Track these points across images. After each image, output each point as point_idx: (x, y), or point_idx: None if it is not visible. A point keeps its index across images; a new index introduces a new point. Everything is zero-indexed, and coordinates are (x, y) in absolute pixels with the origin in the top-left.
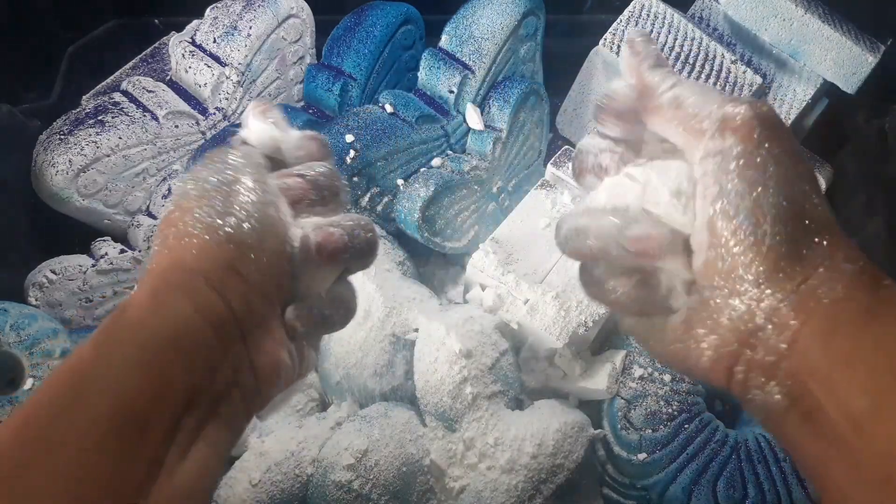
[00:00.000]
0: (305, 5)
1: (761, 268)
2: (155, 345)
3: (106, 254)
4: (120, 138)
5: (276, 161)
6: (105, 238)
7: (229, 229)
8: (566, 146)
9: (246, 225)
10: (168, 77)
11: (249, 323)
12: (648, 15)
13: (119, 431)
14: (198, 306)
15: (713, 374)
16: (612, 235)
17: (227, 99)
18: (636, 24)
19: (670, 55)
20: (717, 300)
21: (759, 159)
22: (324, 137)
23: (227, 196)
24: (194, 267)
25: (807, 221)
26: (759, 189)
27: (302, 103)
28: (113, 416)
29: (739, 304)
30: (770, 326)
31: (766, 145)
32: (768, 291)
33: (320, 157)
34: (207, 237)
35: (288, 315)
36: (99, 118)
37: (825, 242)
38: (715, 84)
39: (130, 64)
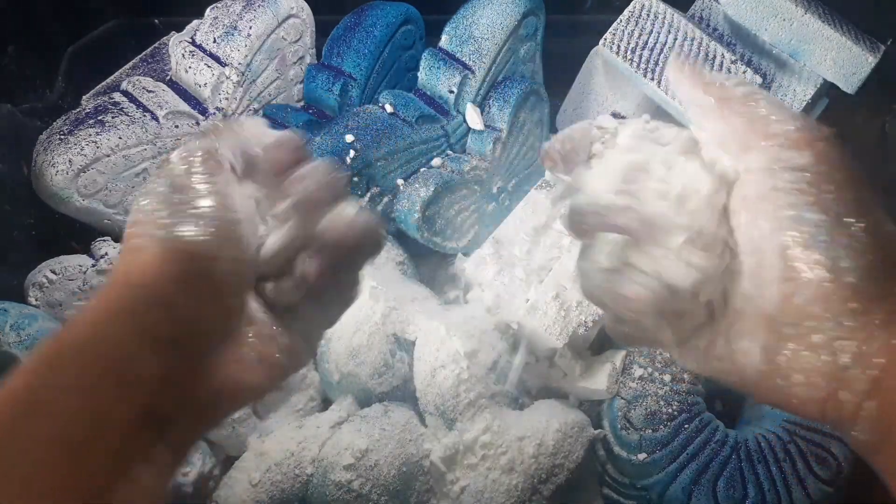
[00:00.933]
0: (305, 5)
1: (844, 305)
2: (94, 370)
3: (106, 254)
4: (120, 138)
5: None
6: (105, 238)
7: (177, 241)
8: None
9: (198, 235)
10: (168, 77)
11: (203, 338)
12: (648, 15)
13: (56, 462)
14: (141, 327)
15: (805, 410)
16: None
17: (227, 99)
18: (636, 24)
19: (670, 55)
20: (797, 336)
21: (836, 184)
22: (298, 140)
23: (178, 205)
24: (140, 284)
25: (888, 253)
26: (840, 218)
27: (302, 103)
28: (50, 445)
29: (822, 342)
30: (856, 366)
31: (843, 168)
32: (852, 329)
33: (297, 159)
34: (155, 251)
35: (267, 290)
36: (99, 118)
37: None
38: None
39: (130, 64)
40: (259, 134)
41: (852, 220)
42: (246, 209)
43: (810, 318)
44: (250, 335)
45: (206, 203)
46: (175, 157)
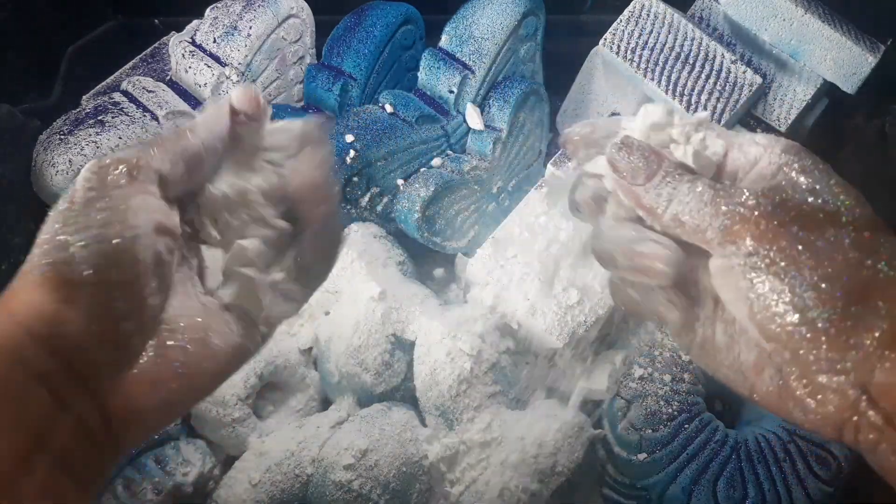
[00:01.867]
0: (305, 5)
1: (829, 353)
2: None
3: None
4: (120, 138)
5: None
6: None
7: (51, 269)
8: None
9: (77, 258)
10: (168, 77)
11: (92, 367)
12: (648, 15)
13: None
14: (22, 360)
15: (820, 433)
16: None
17: None
18: (636, 24)
19: (670, 55)
20: (800, 376)
21: (778, 250)
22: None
23: (63, 227)
24: (19, 315)
25: (859, 286)
26: (789, 277)
27: (302, 103)
28: None
29: (825, 382)
30: (866, 404)
31: (785, 230)
32: (845, 369)
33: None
34: (33, 280)
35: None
36: (99, 118)
37: (883, 302)
38: (715, 84)
39: (130, 64)
40: (219, 116)
41: (809, 272)
42: (147, 224)
43: (804, 365)
44: (171, 341)
45: (94, 225)
46: (82, 172)
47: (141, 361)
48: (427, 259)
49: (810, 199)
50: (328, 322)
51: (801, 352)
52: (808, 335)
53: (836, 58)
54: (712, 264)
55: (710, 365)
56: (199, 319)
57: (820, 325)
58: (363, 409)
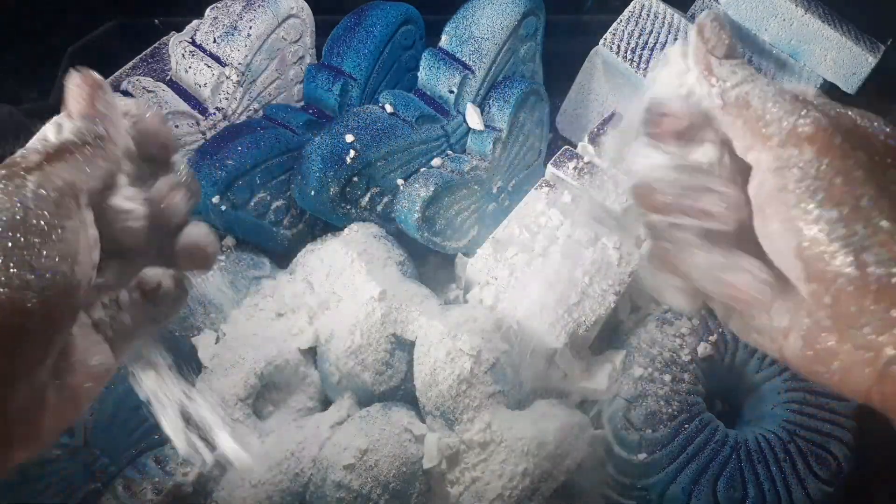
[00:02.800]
0: (305, 5)
1: (876, 300)
2: None
3: None
4: None
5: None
6: None
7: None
8: (566, 146)
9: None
10: (168, 77)
11: None
12: (648, 15)
13: None
14: None
15: (848, 396)
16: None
17: (227, 99)
18: (636, 24)
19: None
20: (835, 331)
21: (844, 175)
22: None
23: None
24: None
25: None
26: (857, 210)
27: (302, 103)
28: None
29: (860, 339)
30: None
31: (849, 156)
32: (887, 324)
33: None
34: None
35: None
36: None
37: None
38: None
39: (130, 64)
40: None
41: (872, 209)
42: (85, 247)
43: (843, 317)
44: (69, 371)
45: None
46: (32, 188)
47: (46, 393)
48: (427, 259)
49: (890, 142)
50: (328, 322)
51: (843, 299)
52: (858, 282)
53: (836, 58)
54: (760, 176)
55: (739, 329)
56: (80, 340)
57: (872, 273)
58: (363, 409)
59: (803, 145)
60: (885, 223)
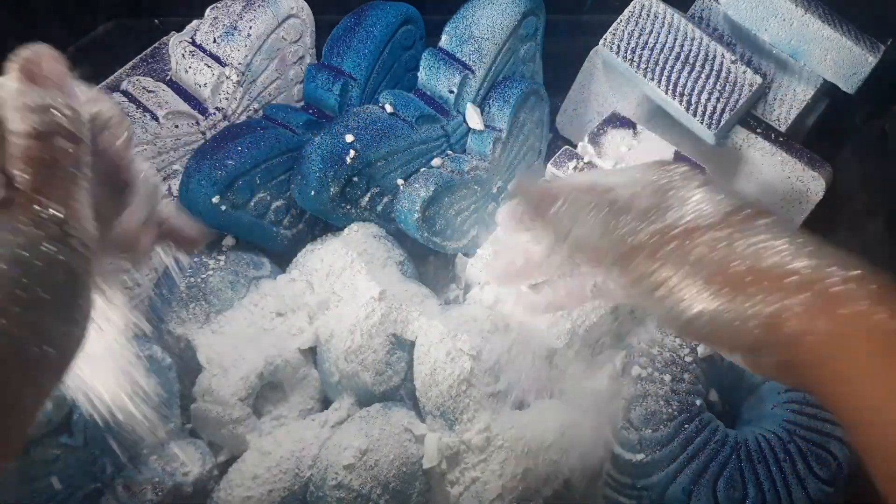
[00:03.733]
0: (305, 5)
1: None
2: None
3: None
4: None
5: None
6: None
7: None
8: (566, 146)
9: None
10: (168, 77)
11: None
12: (648, 15)
13: None
14: None
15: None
16: None
17: (227, 99)
18: (636, 24)
19: (670, 55)
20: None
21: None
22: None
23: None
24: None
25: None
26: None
27: (302, 103)
28: None
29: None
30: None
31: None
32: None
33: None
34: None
35: None
36: None
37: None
38: (715, 84)
39: (130, 64)
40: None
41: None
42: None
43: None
44: None
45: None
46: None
47: None
48: (427, 259)
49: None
50: (328, 322)
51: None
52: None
53: (835, 58)
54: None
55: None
56: None
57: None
58: (363, 409)
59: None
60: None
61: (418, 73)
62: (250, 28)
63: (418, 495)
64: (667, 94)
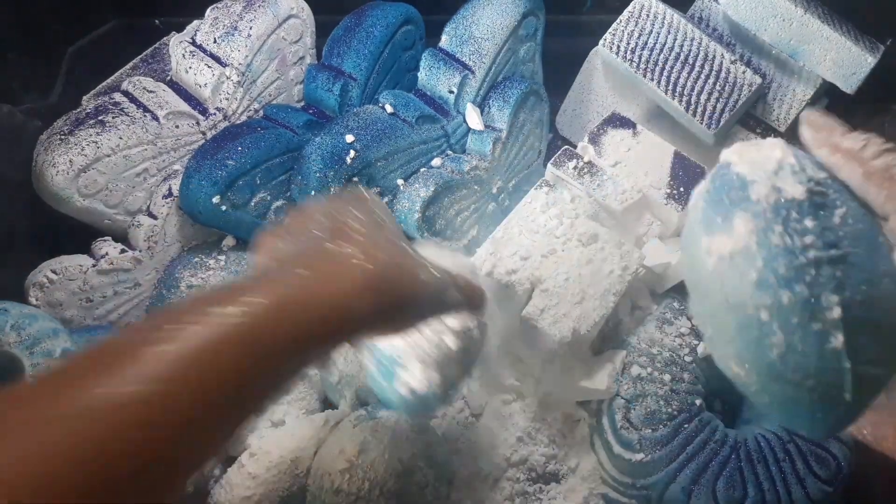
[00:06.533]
0: (305, 6)
1: None
2: None
3: (106, 254)
4: (120, 138)
5: None
6: (105, 238)
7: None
8: (566, 146)
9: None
10: (168, 77)
11: None
12: (648, 15)
13: None
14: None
15: None
16: None
17: (227, 99)
18: (636, 25)
19: (670, 55)
20: None
21: None
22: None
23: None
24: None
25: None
26: None
27: (302, 103)
28: None
29: None
30: None
31: None
32: None
33: None
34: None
35: None
36: (99, 118)
37: None
38: (714, 84)
39: (131, 64)
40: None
41: None
42: None
43: None
44: None
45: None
46: None
47: None
48: None
49: None
50: None
51: None
52: None
53: (835, 58)
54: None
55: None
56: None
57: None
58: (362, 409)
59: None
60: None
61: (418, 74)
62: (251, 28)
63: (416, 495)
64: (666, 94)
